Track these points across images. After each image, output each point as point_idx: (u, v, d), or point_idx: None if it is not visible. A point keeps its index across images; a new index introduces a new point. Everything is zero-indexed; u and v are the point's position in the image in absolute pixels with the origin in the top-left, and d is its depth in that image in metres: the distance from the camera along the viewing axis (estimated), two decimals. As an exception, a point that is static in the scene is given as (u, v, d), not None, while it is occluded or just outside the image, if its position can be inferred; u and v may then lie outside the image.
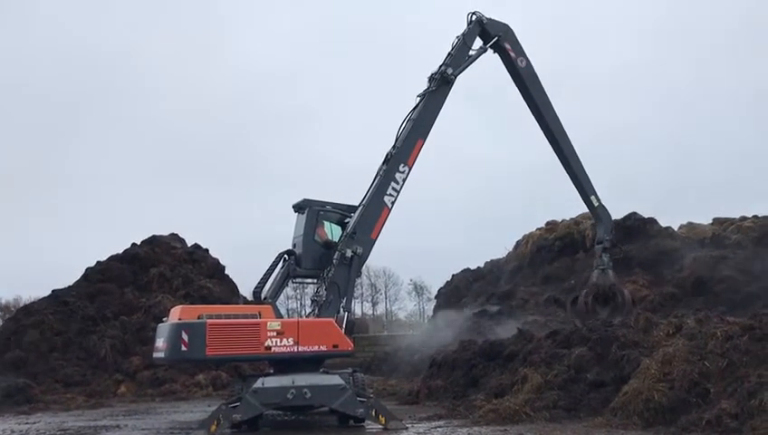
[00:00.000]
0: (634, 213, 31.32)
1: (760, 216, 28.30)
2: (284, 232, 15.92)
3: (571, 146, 18.54)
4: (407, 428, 13.19)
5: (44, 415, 18.03)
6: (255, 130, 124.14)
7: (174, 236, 31.64)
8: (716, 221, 30.87)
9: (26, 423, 16.13)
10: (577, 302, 19.63)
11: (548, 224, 34.10)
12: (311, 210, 14.94)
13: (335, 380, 13.52)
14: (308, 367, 13.52)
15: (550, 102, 18.28)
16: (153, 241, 30.40)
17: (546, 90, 18.27)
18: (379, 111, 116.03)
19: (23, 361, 23.62)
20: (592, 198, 18.85)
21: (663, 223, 30.67)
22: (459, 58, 16.60)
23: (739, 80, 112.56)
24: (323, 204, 15.17)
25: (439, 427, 13.40)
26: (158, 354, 13.91)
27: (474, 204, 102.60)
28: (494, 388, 15.86)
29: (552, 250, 31.79)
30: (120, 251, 29.44)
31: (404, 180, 15.37)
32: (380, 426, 13.22)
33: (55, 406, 19.87)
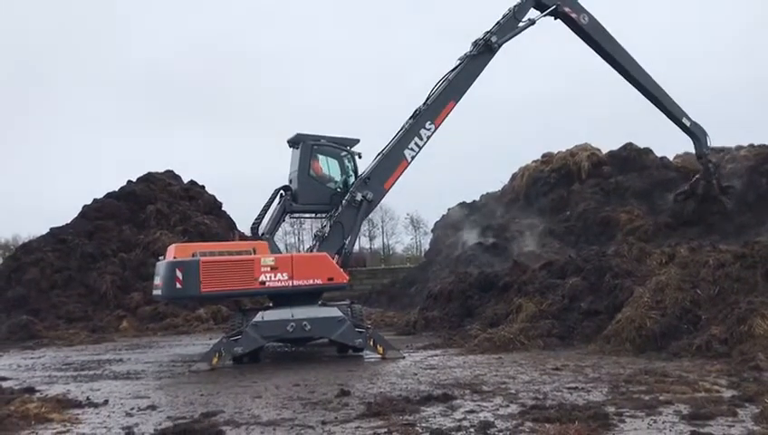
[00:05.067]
0: (630, 143, 31.19)
1: (756, 144, 28.16)
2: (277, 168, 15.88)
3: (653, 81, 19.23)
4: (404, 357, 13.44)
5: (49, 350, 18.35)
6: (242, 68, 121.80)
7: (169, 174, 31.51)
8: (712, 151, 30.76)
9: (32, 358, 16.39)
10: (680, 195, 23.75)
11: (543, 156, 33.80)
12: (305, 145, 14.77)
13: (333, 312, 13.72)
14: (304, 300, 13.67)
15: (621, 47, 18.68)
16: (149, 178, 30.29)
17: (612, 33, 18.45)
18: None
19: (24, 298, 23.88)
20: (683, 119, 20.03)
21: (658, 153, 30.60)
22: (506, 29, 16.53)
23: (734, 9, 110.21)
24: (317, 138, 14.97)
25: (436, 356, 13.69)
26: (156, 291, 14.17)
27: (469, 139, 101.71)
28: (489, 318, 16.14)
29: (547, 182, 31.67)
30: (116, 189, 29.47)
31: (428, 138, 15.28)
32: (378, 355, 13.49)
33: (59, 341, 20.12)
